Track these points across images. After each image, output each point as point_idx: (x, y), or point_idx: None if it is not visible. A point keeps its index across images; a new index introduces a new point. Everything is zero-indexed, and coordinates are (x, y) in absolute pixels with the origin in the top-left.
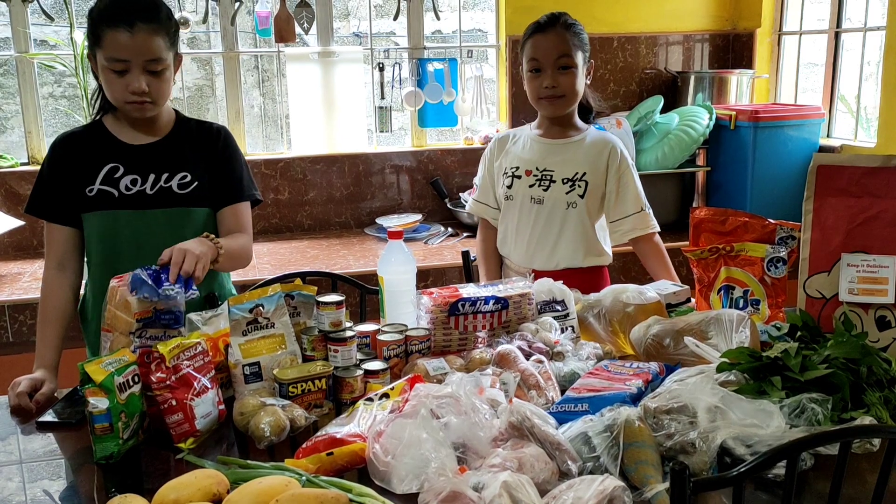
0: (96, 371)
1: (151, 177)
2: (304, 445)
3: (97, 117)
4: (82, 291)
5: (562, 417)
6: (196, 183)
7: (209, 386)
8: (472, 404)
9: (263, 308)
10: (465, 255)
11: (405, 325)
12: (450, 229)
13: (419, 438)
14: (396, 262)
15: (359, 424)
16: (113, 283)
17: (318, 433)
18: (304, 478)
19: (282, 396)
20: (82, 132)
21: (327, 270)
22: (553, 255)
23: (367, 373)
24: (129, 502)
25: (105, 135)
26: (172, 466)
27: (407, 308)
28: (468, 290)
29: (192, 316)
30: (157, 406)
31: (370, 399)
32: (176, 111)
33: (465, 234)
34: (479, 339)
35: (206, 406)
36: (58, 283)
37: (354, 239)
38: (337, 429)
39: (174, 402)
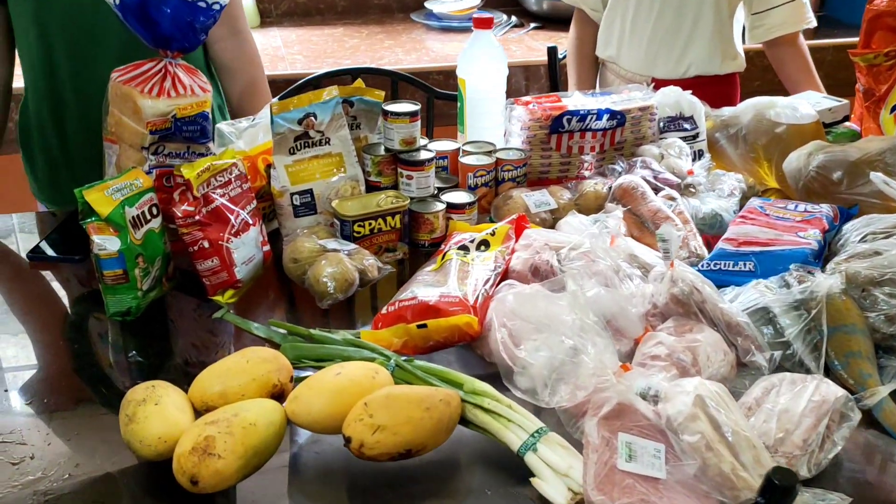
0: (100, 200)
1: None
2: (384, 310)
3: None
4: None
5: (717, 279)
6: None
7: (250, 221)
8: (615, 266)
9: (316, 118)
10: (552, 52)
11: (492, 144)
12: (514, 18)
13: (561, 320)
14: (484, 59)
15: (456, 284)
16: (114, 76)
17: (403, 294)
18: (391, 361)
19: (343, 237)
20: None
21: (375, 66)
22: (683, 58)
23: (450, 206)
24: (157, 394)
25: None
26: (208, 327)
27: (494, 121)
28: (574, 101)
29: (223, 126)
30: (183, 245)
31: (464, 248)
32: None
33: (532, 26)
34: (586, 165)
35: (247, 248)
36: None
37: (399, 26)
38: (427, 290)
39: (206, 245)
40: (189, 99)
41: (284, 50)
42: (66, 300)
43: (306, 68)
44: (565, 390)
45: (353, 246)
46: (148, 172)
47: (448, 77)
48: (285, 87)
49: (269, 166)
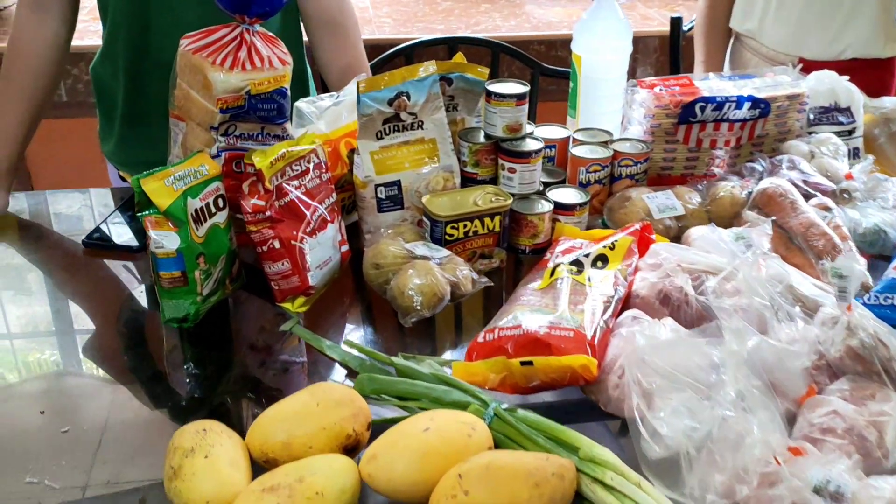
0: (159, 190)
1: None
2: (480, 337)
3: None
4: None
5: (891, 318)
6: None
7: (328, 218)
8: (771, 302)
9: (409, 98)
10: (676, 23)
11: (608, 133)
12: None
13: (711, 381)
14: (605, 33)
15: (569, 311)
16: (184, 43)
17: (504, 319)
18: (490, 409)
19: (433, 239)
20: None
21: (472, 34)
22: (840, 36)
23: (558, 206)
24: (209, 443)
25: None
26: (275, 340)
27: (612, 106)
28: (710, 85)
29: (302, 104)
30: (252, 242)
31: (576, 263)
32: None
33: None
34: (717, 161)
35: (323, 249)
36: (32, 29)
37: None
38: (534, 317)
39: (277, 245)
40: (266, 73)
41: (372, 11)
42: (120, 296)
43: (395, 33)
44: (720, 482)
45: (445, 253)
46: (216, 156)
47: (550, 48)
48: (372, 54)
49: (352, 151)
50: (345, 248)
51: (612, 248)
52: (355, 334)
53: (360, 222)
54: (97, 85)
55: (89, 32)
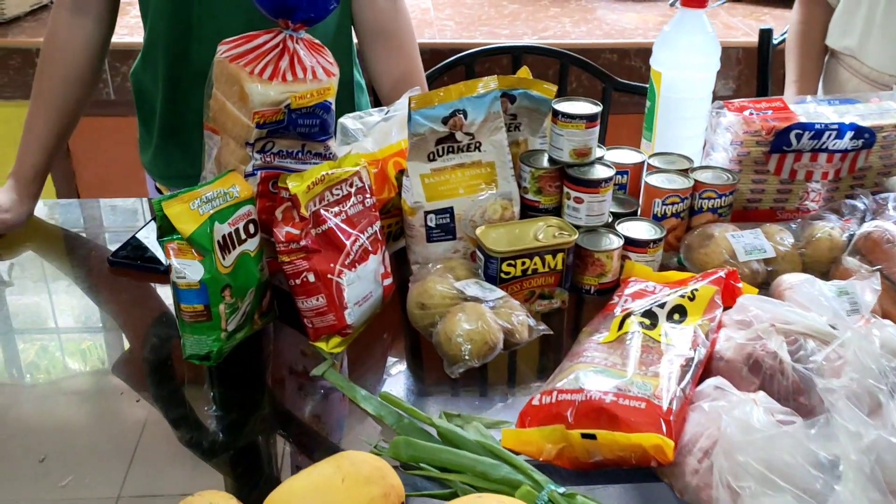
0: (183, 214)
1: None
2: (535, 399)
3: None
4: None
5: None
6: None
7: (371, 249)
8: (890, 385)
9: (466, 117)
10: (766, 36)
11: (688, 160)
12: None
13: (818, 489)
14: (690, 48)
15: (640, 374)
16: (221, 49)
17: (564, 380)
18: (543, 493)
19: (487, 276)
20: None
21: (539, 42)
22: None
23: (629, 242)
24: None
25: None
26: (305, 386)
27: (694, 129)
28: (807, 109)
29: (348, 121)
30: (284, 273)
31: (649, 315)
32: None
33: None
34: (812, 195)
35: (363, 283)
36: (68, 31)
37: None
38: (599, 379)
39: (312, 278)
40: (308, 85)
41: (434, 13)
42: (142, 320)
43: (456, 37)
44: None
45: (499, 294)
46: (251, 174)
47: (623, 57)
48: (431, 59)
49: (401, 172)
50: (388, 281)
51: (691, 298)
52: (395, 380)
53: (407, 251)
54: (137, 91)
55: (139, 28)
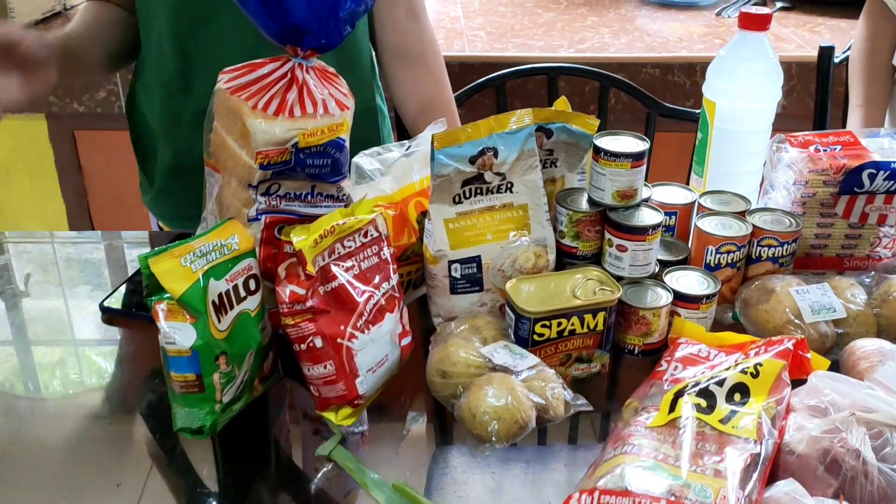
0: (173, 271)
1: None
2: (574, 497)
3: None
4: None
5: None
6: None
7: (386, 306)
8: None
9: (497, 155)
10: (827, 54)
11: (744, 200)
12: None
13: None
14: (749, 75)
15: (695, 470)
16: (222, 78)
17: (605, 473)
18: None
19: (518, 337)
20: None
21: (578, 60)
22: None
23: (678, 297)
24: None
25: None
26: (310, 460)
27: (751, 165)
28: (880, 144)
29: (363, 161)
30: (287, 337)
31: (705, 394)
32: None
33: (779, 5)
34: (884, 242)
35: (377, 347)
36: (94, 9)
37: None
38: (646, 477)
39: (319, 343)
40: (319, 121)
41: (464, 22)
42: (129, 379)
43: (487, 49)
44: None
45: (532, 362)
46: (255, 219)
47: (666, 72)
48: (460, 72)
49: (422, 213)
50: (406, 340)
51: (754, 374)
52: (413, 455)
53: (428, 302)
54: (132, 125)
55: None
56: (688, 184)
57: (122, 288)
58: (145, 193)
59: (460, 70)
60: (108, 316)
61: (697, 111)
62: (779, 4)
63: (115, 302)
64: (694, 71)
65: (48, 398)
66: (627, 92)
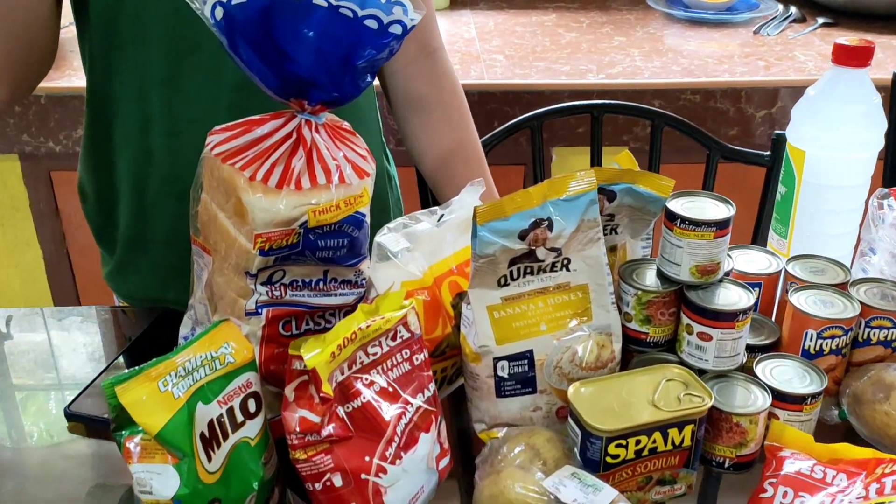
0: (149, 401)
1: None
2: None
3: None
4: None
5: None
6: None
7: (419, 423)
8: None
9: (552, 228)
10: None
11: (843, 267)
12: (793, 9)
13: None
14: (844, 118)
15: None
16: (211, 140)
17: None
18: None
19: (586, 459)
20: None
21: (607, 81)
22: None
23: (778, 396)
24: None
25: None
26: None
27: (845, 224)
28: None
29: (386, 239)
30: (298, 474)
31: None
32: None
33: (820, 21)
34: None
35: (412, 478)
36: None
37: (629, 14)
38: None
39: (339, 481)
40: (333, 192)
41: (479, 45)
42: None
43: (509, 75)
44: None
45: (609, 496)
46: (255, 313)
47: (707, 98)
48: (479, 102)
49: (458, 296)
50: (445, 461)
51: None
52: None
53: (468, 405)
54: (84, 197)
55: None
56: (756, 242)
57: (92, 391)
58: (104, 265)
59: (479, 100)
60: (75, 423)
61: (766, 153)
62: (820, 20)
63: (83, 406)
64: (738, 96)
65: None
66: (682, 131)
